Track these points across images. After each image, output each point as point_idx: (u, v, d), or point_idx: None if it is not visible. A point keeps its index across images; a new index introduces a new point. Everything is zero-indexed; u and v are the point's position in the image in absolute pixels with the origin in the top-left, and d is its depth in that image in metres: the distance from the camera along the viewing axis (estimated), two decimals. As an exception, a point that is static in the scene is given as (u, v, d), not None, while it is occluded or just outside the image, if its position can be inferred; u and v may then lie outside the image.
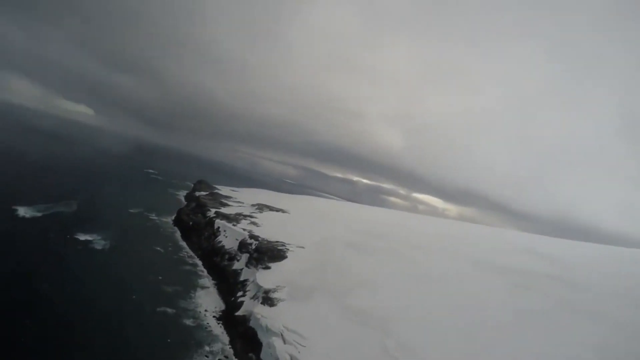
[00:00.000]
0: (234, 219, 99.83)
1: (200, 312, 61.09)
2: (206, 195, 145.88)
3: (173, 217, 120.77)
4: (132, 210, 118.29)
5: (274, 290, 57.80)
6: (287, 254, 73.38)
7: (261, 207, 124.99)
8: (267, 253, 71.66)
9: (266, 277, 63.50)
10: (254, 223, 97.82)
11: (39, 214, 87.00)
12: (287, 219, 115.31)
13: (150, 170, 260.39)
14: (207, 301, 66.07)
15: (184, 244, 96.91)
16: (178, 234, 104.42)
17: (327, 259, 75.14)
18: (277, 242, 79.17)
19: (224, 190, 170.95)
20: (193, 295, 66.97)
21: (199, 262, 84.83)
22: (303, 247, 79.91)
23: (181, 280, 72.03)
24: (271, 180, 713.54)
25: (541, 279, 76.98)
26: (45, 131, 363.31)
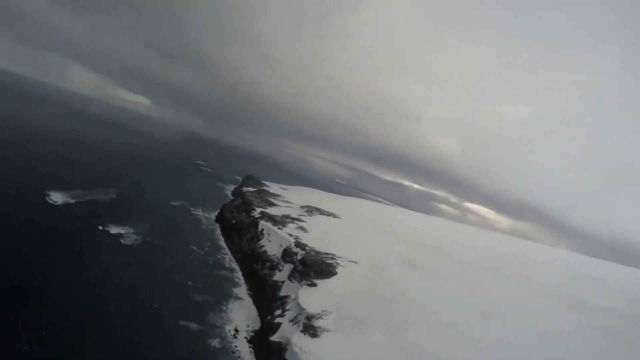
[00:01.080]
0: (280, 221, 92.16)
1: (229, 330, 53.14)
2: (253, 192, 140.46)
3: (216, 213, 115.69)
4: (173, 203, 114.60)
5: (319, 316, 48.79)
6: (337, 270, 64.01)
7: (311, 210, 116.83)
8: (313, 267, 62.63)
9: (310, 297, 54.75)
10: (301, 228, 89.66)
11: (73, 201, 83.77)
12: (338, 225, 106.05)
13: (200, 162, 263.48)
14: (240, 316, 58.13)
15: (223, 244, 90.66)
16: (219, 233, 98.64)
17: (383, 280, 64.89)
18: (326, 253, 70.08)
19: (272, 187, 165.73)
20: (225, 307, 59.31)
21: (237, 267, 77.75)
22: (355, 262, 70.31)
23: (213, 288, 64.76)
24: (321, 179, 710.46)
25: (622, 321, 65.48)
26: (100, 119, 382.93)
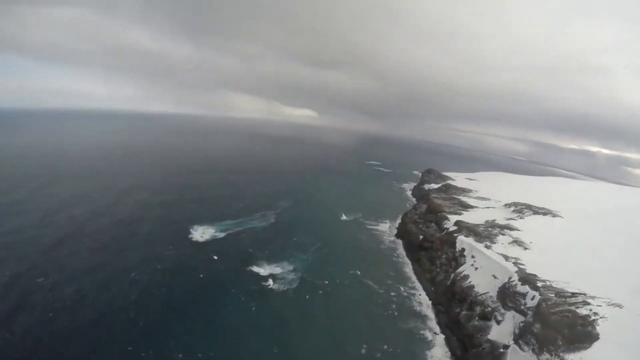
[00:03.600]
0: (485, 234, 69.52)
1: None
2: (437, 189, 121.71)
3: (397, 225, 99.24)
4: (344, 217, 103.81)
5: None
6: (598, 326, 39.29)
7: (520, 209, 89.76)
8: (561, 327, 38.96)
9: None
10: (517, 242, 65.49)
11: (222, 235, 78.64)
12: (563, 229, 76.53)
13: (372, 162, 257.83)
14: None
15: (409, 271, 73.48)
16: (402, 254, 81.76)
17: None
18: (572, 294, 45.61)
19: (457, 179, 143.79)
20: (416, 394, 41.57)
21: (431, 313, 58.99)
22: (620, 307, 44.06)
23: (397, 355, 47.28)
24: (499, 158, 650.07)
25: None
26: (270, 138, 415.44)
